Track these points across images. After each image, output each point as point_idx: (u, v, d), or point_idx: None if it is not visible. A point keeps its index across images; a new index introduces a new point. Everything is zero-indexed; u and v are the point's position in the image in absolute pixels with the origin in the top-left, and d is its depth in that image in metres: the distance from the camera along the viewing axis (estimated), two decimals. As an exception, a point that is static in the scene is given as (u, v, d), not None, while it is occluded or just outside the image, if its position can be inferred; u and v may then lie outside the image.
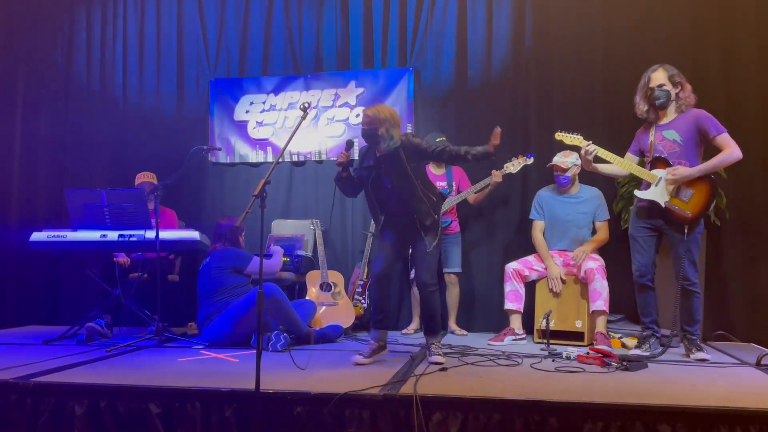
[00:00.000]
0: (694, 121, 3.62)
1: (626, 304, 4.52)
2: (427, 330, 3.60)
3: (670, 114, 3.72)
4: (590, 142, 3.82)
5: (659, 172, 3.66)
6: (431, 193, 3.56)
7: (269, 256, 4.49)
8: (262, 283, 2.79)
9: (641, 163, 3.85)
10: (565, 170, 4.34)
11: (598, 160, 3.84)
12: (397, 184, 3.47)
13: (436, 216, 3.53)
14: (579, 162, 4.36)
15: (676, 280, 3.67)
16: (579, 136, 3.91)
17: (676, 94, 3.68)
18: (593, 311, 4.09)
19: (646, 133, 3.81)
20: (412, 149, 3.46)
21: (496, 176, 4.56)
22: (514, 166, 4.59)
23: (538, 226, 4.47)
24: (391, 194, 3.50)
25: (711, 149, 3.67)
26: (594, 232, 4.41)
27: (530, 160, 4.61)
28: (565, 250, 4.39)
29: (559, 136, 3.99)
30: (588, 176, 4.70)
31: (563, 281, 4.27)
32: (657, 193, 3.67)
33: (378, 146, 3.45)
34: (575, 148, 4.02)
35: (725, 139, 3.57)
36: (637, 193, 3.79)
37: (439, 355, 3.45)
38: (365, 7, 5.31)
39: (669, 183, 3.63)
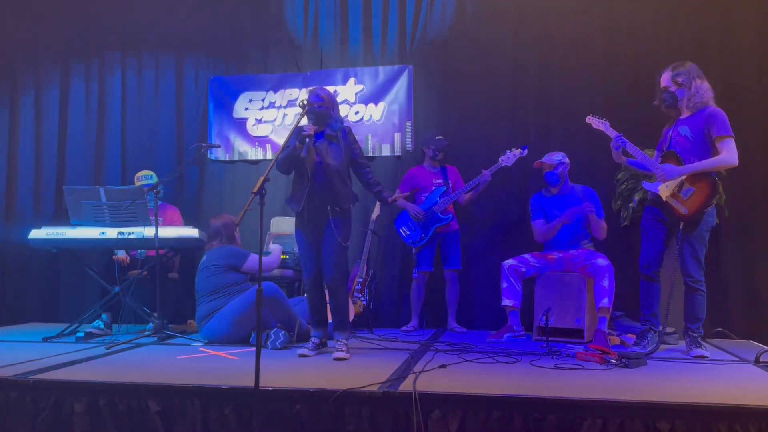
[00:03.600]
0: (706, 118, 3.61)
1: (626, 301, 4.53)
2: (336, 325, 3.70)
3: (689, 110, 3.71)
4: (621, 134, 3.83)
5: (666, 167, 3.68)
6: (351, 184, 3.74)
7: (267, 253, 4.49)
8: (261, 280, 2.79)
9: None
10: (551, 166, 4.36)
11: (626, 154, 3.86)
12: (328, 163, 3.59)
13: (351, 205, 3.71)
14: (566, 161, 4.38)
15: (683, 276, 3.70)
16: (607, 122, 3.96)
17: (684, 93, 3.67)
18: (598, 308, 4.09)
19: (668, 128, 3.83)
20: (351, 141, 3.72)
21: (486, 175, 4.62)
22: (508, 159, 4.62)
23: (538, 224, 4.50)
24: (319, 172, 3.59)
25: None
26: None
27: (524, 152, 4.65)
28: (564, 251, 4.39)
29: (590, 120, 4.05)
30: (588, 176, 4.72)
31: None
32: (661, 186, 3.69)
33: (323, 125, 3.63)
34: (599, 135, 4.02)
35: (726, 143, 3.55)
36: (645, 184, 3.83)
37: (343, 351, 3.55)
38: (365, 4, 5.30)
39: (661, 180, 3.65)
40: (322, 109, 3.60)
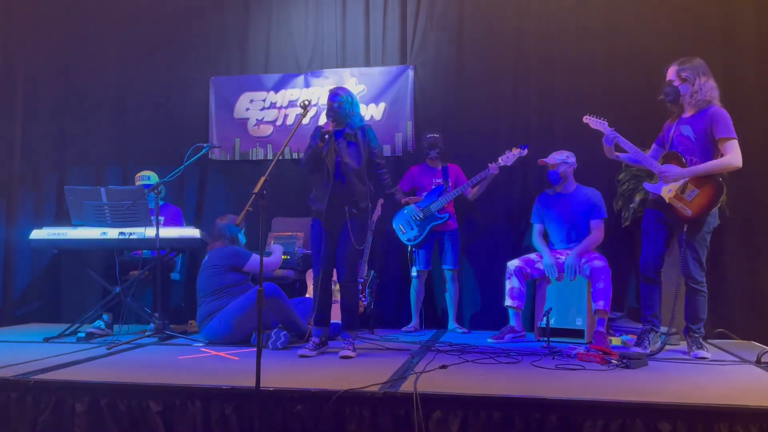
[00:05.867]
0: (709, 119, 3.57)
1: (627, 301, 4.52)
2: (345, 324, 3.74)
3: (692, 108, 3.67)
4: (612, 128, 3.82)
5: (668, 167, 3.66)
6: (370, 183, 3.76)
7: (269, 254, 4.49)
8: (262, 281, 2.79)
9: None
10: (554, 165, 4.37)
11: (619, 149, 3.84)
12: (347, 163, 3.62)
13: (370, 204, 3.74)
14: (570, 161, 4.38)
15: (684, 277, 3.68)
16: (605, 122, 3.93)
17: (687, 89, 3.64)
18: (595, 311, 4.09)
19: (670, 126, 3.79)
20: (370, 138, 3.72)
21: (493, 168, 4.61)
22: (508, 158, 4.63)
23: (537, 229, 4.53)
24: (339, 171, 3.62)
25: None
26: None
27: (524, 152, 4.64)
28: (564, 249, 4.40)
29: (587, 119, 4.01)
30: (589, 176, 4.72)
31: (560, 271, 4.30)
32: (663, 187, 3.67)
33: (343, 124, 3.65)
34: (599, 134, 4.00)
35: (730, 146, 3.51)
36: (646, 185, 3.80)
37: (350, 349, 3.59)
38: (365, 4, 5.30)
39: (665, 181, 3.63)
40: (340, 109, 3.64)
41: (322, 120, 3.44)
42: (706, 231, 3.63)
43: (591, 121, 3.98)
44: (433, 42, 5.19)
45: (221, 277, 4.12)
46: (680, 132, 3.68)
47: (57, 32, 5.72)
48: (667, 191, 3.64)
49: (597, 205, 4.37)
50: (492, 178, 4.68)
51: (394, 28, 5.27)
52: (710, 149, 3.59)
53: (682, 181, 3.59)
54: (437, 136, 4.82)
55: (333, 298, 3.94)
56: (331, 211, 3.64)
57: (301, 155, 5.25)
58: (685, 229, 3.60)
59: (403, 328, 4.79)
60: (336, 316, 4.07)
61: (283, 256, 4.56)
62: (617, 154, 3.87)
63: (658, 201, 3.74)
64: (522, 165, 4.86)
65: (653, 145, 3.90)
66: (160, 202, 4.82)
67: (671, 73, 3.69)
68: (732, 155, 3.50)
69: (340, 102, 3.64)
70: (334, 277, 3.84)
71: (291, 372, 3.15)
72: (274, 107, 5.43)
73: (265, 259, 4.31)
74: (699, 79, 3.61)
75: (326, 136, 3.58)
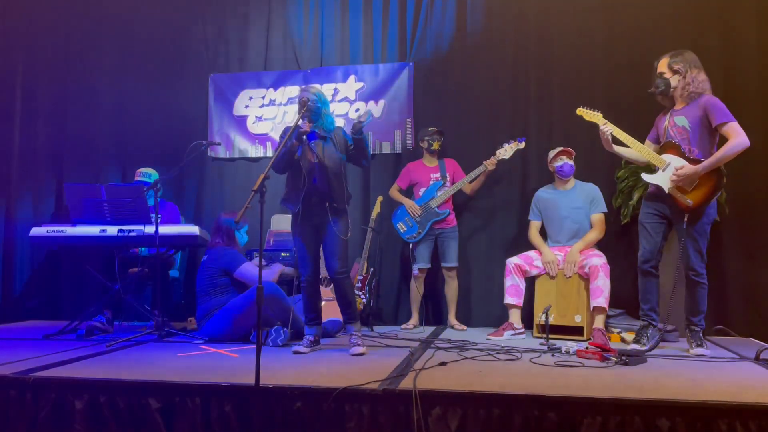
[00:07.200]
0: (702, 108, 3.57)
1: (626, 298, 4.53)
2: (347, 318, 3.75)
3: (683, 100, 3.67)
4: (606, 121, 3.81)
5: (668, 158, 3.65)
6: (347, 185, 3.78)
7: (264, 266, 4.44)
8: (261, 279, 2.79)
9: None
10: (572, 155, 4.35)
11: (616, 142, 3.82)
12: (325, 164, 3.62)
13: (346, 205, 3.74)
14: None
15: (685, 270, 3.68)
16: (599, 114, 3.90)
17: (678, 81, 3.64)
18: (594, 308, 4.09)
19: (662, 118, 3.78)
20: (343, 132, 3.76)
21: (490, 164, 4.60)
22: (506, 151, 4.62)
23: (534, 226, 4.54)
24: (315, 171, 3.62)
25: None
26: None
27: (522, 144, 4.64)
28: (564, 246, 4.40)
29: (580, 111, 3.98)
30: (588, 172, 4.72)
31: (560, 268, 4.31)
32: (663, 178, 3.65)
33: (316, 124, 3.64)
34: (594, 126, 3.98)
35: (730, 128, 3.49)
36: (644, 176, 3.77)
37: (359, 345, 3.60)
38: (365, 2, 5.30)
39: (674, 183, 3.61)
40: (314, 106, 3.63)
41: (289, 117, 3.42)
42: (706, 222, 3.62)
43: (585, 112, 3.96)
44: (433, 39, 5.19)
45: (217, 279, 4.12)
46: (674, 123, 3.67)
47: (56, 29, 5.71)
48: (668, 183, 3.60)
49: (596, 200, 4.38)
50: (490, 173, 4.68)
51: (393, 25, 5.26)
52: (707, 137, 3.59)
53: (685, 181, 3.56)
54: (438, 129, 4.84)
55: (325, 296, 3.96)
56: (310, 210, 3.65)
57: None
58: (685, 219, 3.59)
59: (403, 325, 4.79)
60: (330, 313, 4.09)
61: (282, 254, 4.54)
62: (615, 147, 3.85)
63: (656, 193, 3.72)
64: (521, 161, 4.87)
65: (647, 141, 3.89)
66: (158, 200, 4.83)
67: (663, 64, 3.69)
68: (737, 137, 3.47)
69: (313, 100, 3.62)
70: (324, 274, 3.84)
71: (290, 369, 3.16)
72: (273, 104, 5.42)
73: (257, 269, 4.27)
74: (690, 71, 3.61)
75: (303, 137, 3.57)
